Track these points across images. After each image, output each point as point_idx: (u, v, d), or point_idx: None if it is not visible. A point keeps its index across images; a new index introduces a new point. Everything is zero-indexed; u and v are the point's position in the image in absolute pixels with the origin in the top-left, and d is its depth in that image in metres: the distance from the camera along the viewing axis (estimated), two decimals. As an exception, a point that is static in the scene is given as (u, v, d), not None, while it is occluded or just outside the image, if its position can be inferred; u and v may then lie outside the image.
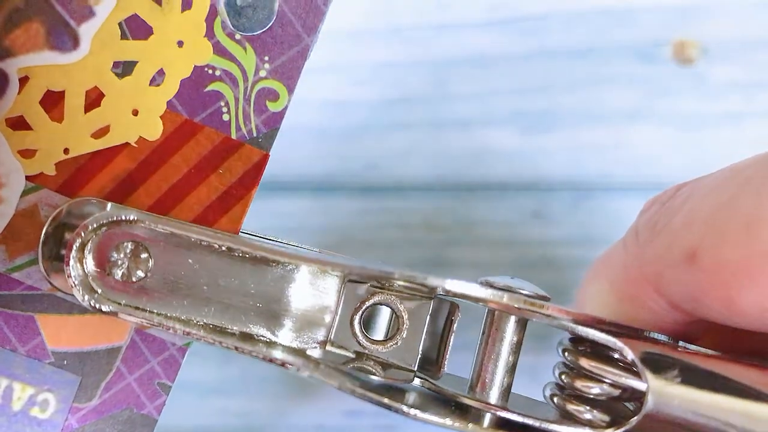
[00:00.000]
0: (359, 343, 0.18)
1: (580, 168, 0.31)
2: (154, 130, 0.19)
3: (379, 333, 0.19)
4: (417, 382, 0.18)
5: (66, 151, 0.19)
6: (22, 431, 0.19)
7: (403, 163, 0.31)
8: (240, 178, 0.19)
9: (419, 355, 0.18)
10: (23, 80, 0.19)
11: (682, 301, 0.17)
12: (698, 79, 0.31)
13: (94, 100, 0.19)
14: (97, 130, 0.19)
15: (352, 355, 0.18)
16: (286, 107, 0.20)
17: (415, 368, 0.18)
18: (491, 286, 0.17)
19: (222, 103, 0.19)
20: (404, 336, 0.18)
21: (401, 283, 0.17)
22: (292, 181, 0.31)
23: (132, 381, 0.20)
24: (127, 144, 0.19)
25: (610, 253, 0.19)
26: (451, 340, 0.19)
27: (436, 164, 0.31)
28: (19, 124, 0.19)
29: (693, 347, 0.17)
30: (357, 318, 0.18)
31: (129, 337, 0.19)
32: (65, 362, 0.19)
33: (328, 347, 0.18)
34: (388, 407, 0.17)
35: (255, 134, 0.19)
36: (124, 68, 0.19)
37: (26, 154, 0.19)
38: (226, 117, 0.19)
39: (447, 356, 0.19)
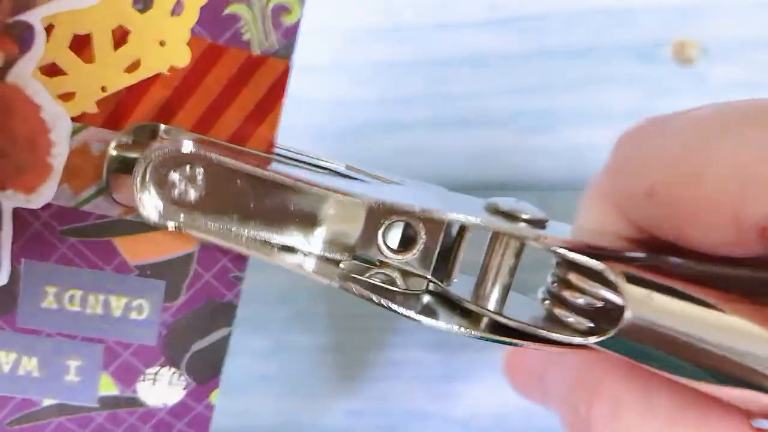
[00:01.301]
0: (382, 253, 0.21)
1: (580, 168, 0.31)
2: (182, 57, 0.20)
3: (399, 246, 0.21)
4: (430, 287, 0.21)
5: (103, 89, 0.20)
6: (126, 331, 0.22)
7: (403, 163, 0.31)
8: (268, 90, 0.21)
9: (433, 264, 0.21)
10: (48, 29, 0.20)
11: (643, 225, 0.19)
12: (698, 79, 0.31)
13: (120, 37, 0.20)
14: (129, 65, 0.20)
15: (377, 263, 0.21)
16: (299, 19, 0.21)
17: (430, 275, 0.21)
18: (495, 209, 0.20)
19: (241, 24, 0.20)
20: (421, 248, 0.21)
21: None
22: (292, 181, 0.31)
23: (209, 278, 0.22)
24: (159, 74, 0.21)
25: (594, 180, 0.22)
26: (462, 253, 0.21)
27: (436, 164, 0.31)
28: (53, 70, 0.20)
29: (665, 258, 0.20)
30: (381, 233, 0.21)
31: (198, 244, 0.22)
32: (148, 272, 0.22)
33: (357, 255, 0.21)
34: (399, 313, 0.20)
35: (276, 47, 0.21)
36: (144, 3, 0.20)
37: (66, 97, 0.20)
38: (246, 36, 0.21)
39: (457, 267, 0.21)
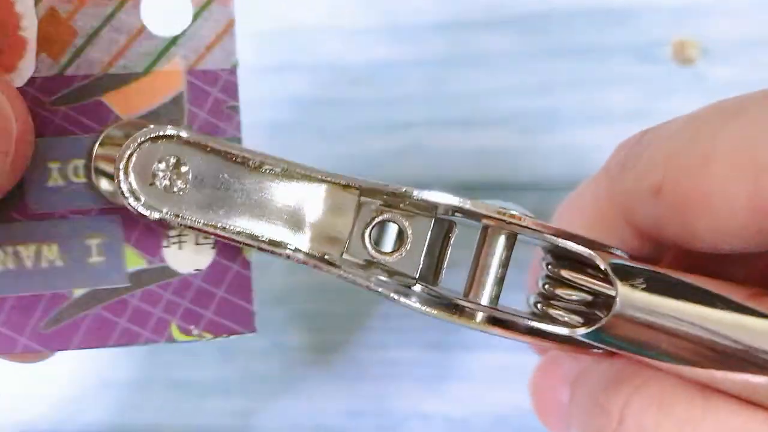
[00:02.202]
0: (369, 253, 0.21)
1: (580, 168, 0.31)
2: None
3: (387, 246, 0.21)
4: (418, 288, 0.21)
5: None
6: None
7: (403, 163, 0.31)
8: None
9: (420, 265, 0.21)
10: None
11: (648, 229, 0.19)
12: (698, 79, 0.31)
13: None
14: None
15: (364, 263, 0.21)
16: None
17: (417, 276, 0.21)
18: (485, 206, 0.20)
19: None
20: (408, 248, 0.21)
21: (408, 201, 0.20)
22: (292, 181, 0.31)
23: (205, 115, 0.22)
24: None
25: (581, 190, 0.22)
26: (449, 253, 0.21)
27: (436, 164, 0.31)
28: None
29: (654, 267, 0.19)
30: (368, 232, 0.21)
31: (184, 81, 0.21)
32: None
33: (344, 256, 0.21)
34: (398, 302, 0.20)
35: None
36: None
37: None
38: None
39: (444, 267, 0.21)
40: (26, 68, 0.21)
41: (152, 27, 0.21)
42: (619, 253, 0.19)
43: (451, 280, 0.21)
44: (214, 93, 0.22)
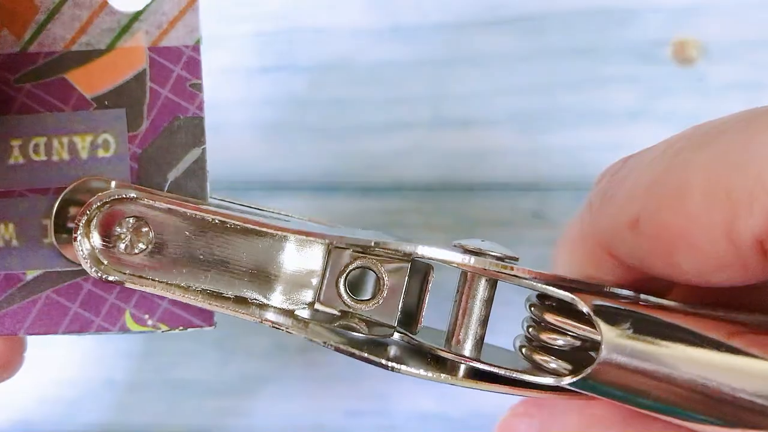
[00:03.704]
0: (344, 302, 0.20)
1: (580, 168, 0.31)
2: None
3: (364, 294, 0.21)
4: (397, 336, 0.20)
5: None
6: (97, 173, 0.21)
7: (403, 163, 0.31)
8: None
9: (398, 313, 0.20)
10: None
11: (630, 261, 0.18)
12: (698, 79, 0.31)
13: None
14: None
15: (338, 314, 0.20)
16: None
17: (395, 324, 0.20)
18: (463, 248, 0.19)
19: None
20: (385, 295, 0.20)
21: (380, 249, 0.20)
22: (292, 181, 0.31)
23: (167, 93, 0.21)
24: None
25: (571, 224, 0.21)
26: (427, 298, 0.20)
27: (436, 164, 0.31)
28: None
29: (653, 299, 0.19)
30: (342, 280, 0.20)
31: (147, 57, 0.21)
32: (106, 102, 0.21)
33: (317, 307, 0.20)
34: (369, 361, 0.19)
35: None
36: None
37: None
38: None
39: (423, 313, 0.20)
40: None
41: (114, 2, 0.21)
42: (615, 291, 0.18)
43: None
44: (176, 70, 0.22)
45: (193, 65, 0.21)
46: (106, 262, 0.20)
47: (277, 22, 0.32)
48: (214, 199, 0.21)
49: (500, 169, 0.31)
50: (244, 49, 0.32)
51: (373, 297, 0.20)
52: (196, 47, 0.22)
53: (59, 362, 0.33)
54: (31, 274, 0.21)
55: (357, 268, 0.20)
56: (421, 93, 0.31)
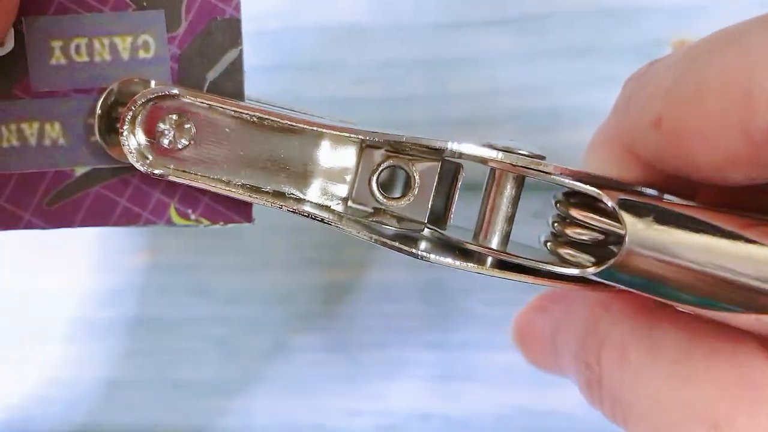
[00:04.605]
0: (377, 200, 0.21)
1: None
2: None
3: (395, 192, 0.21)
4: (427, 232, 0.21)
5: None
6: (138, 73, 0.22)
7: (403, 163, 0.31)
8: None
9: (428, 210, 0.20)
10: None
11: (654, 160, 0.19)
12: (698, 79, 0.31)
13: None
14: None
15: (371, 211, 0.21)
16: None
17: (426, 221, 0.21)
18: (492, 147, 0.20)
19: None
20: (416, 193, 0.20)
21: (412, 147, 0.20)
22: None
23: None
24: None
25: (599, 129, 0.22)
26: (456, 196, 0.21)
27: (436, 164, 0.31)
28: None
29: (675, 199, 0.19)
30: (374, 178, 0.21)
31: None
32: (144, 3, 0.21)
33: (350, 204, 0.21)
34: (401, 250, 0.20)
35: None
36: None
37: None
38: None
39: (453, 210, 0.21)
40: None
41: None
42: (639, 189, 0.19)
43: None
44: None
45: None
46: (151, 157, 0.21)
47: (277, 22, 0.32)
48: (250, 100, 0.22)
49: (500, 169, 0.31)
50: (244, 49, 0.32)
51: (404, 195, 0.21)
52: None
53: (57, 361, 0.33)
54: (79, 171, 0.22)
55: (389, 166, 0.21)
56: (422, 93, 0.31)
